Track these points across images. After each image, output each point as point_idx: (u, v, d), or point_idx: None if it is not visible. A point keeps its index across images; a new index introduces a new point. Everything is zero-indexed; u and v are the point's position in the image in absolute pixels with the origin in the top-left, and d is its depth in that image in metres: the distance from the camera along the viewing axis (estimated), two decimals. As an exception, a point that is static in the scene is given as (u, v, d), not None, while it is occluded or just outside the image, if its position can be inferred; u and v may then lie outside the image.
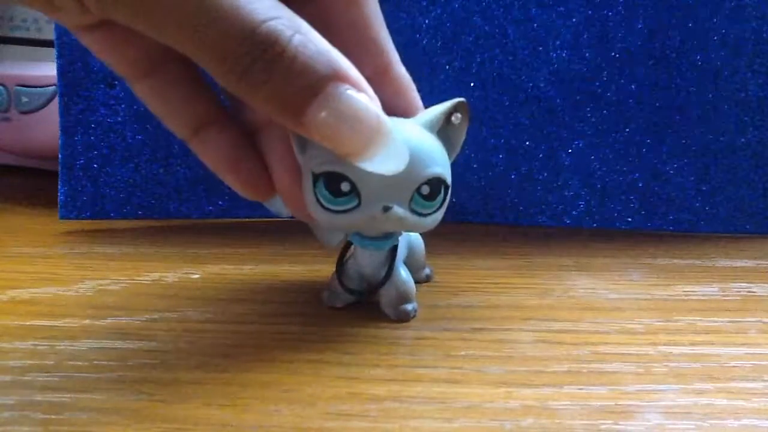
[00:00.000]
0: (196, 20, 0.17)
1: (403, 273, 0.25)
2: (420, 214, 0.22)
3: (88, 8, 0.18)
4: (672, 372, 0.21)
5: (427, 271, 0.28)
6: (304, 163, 0.22)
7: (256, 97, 0.18)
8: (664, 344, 0.23)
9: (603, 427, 0.18)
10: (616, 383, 0.20)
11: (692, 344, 0.23)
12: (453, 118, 0.23)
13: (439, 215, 0.23)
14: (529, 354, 0.22)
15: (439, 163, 0.22)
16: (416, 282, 0.26)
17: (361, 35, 0.22)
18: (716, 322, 0.25)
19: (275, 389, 0.20)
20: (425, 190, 0.22)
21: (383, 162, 0.19)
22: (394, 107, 0.23)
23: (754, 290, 0.28)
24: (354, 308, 0.25)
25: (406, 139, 0.21)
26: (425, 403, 0.19)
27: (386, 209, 0.21)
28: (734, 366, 0.22)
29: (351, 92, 0.18)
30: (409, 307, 0.25)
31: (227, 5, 0.17)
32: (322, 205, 0.22)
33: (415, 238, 0.27)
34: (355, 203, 0.22)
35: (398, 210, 0.22)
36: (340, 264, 0.25)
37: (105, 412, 0.18)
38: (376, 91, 0.20)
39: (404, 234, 0.25)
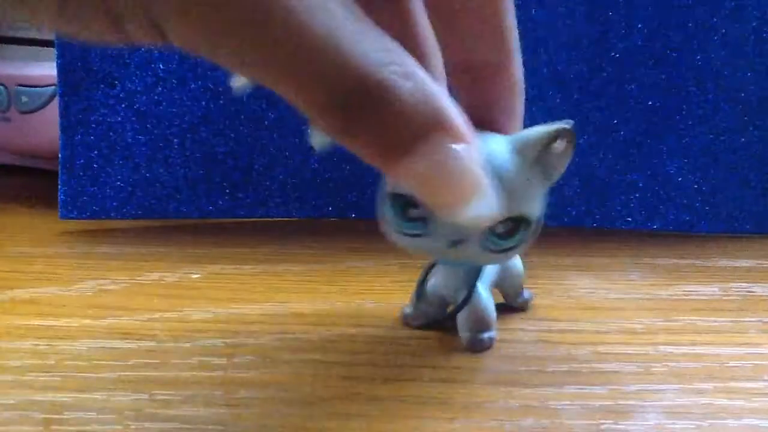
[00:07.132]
0: (290, 55, 0.15)
1: (484, 296, 0.23)
2: (494, 251, 0.20)
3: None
4: (672, 372, 0.21)
5: (525, 296, 0.26)
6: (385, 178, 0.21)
7: (353, 141, 0.16)
8: (664, 344, 0.23)
9: (603, 427, 0.18)
10: (616, 383, 0.20)
11: (692, 344, 0.23)
12: (556, 144, 0.20)
13: (518, 250, 0.20)
14: (529, 354, 0.22)
15: (521, 199, 0.19)
16: (513, 308, 0.25)
17: (485, 21, 0.20)
18: (716, 322, 0.25)
19: (275, 389, 0.20)
20: (500, 228, 0.19)
21: (473, 217, 0.18)
22: (493, 112, 0.21)
23: (754, 290, 0.28)
24: (354, 308, 0.25)
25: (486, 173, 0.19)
26: (425, 403, 0.19)
27: (453, 244, 0.20)
28: (734, 366, 0.22)
29: (453, 145, 0.17)
30: (485, 336, 0.22)
31: (329, 42, 0.15)
32: (390, 223, 0.20)
33: (513, 258, 0.24)
34: (422, 230, 0.20)
35: (467, 247, 0.20)
36: (421, 285, 0.24)
37: (105, 412, 0.18)
38: (483, 88, 0.19)
39: None
